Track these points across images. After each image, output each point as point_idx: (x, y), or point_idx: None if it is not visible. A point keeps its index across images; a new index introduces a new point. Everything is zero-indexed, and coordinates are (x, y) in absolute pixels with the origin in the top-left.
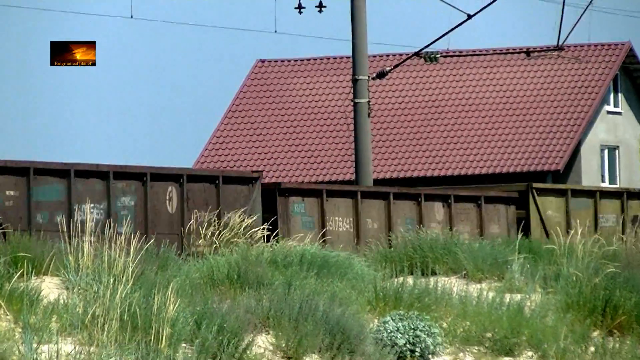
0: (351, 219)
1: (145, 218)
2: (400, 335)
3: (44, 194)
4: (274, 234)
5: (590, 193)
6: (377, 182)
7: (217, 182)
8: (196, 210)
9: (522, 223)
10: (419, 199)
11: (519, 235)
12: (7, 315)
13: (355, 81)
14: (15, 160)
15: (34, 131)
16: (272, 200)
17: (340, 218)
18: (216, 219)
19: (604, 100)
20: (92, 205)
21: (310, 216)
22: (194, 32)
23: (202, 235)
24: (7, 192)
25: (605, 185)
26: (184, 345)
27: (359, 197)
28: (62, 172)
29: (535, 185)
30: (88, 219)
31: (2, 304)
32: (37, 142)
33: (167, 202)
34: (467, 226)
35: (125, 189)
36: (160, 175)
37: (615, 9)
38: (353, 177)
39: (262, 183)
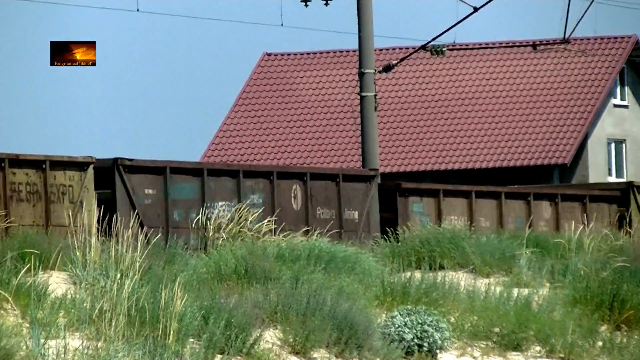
0: (465, 217)
1: (272, 215)
2: (408, 330)
3: (180, 192)
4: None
5: None
6: (383, 176)
7: (337, 180)
8: (319, 207)
9: (623, 220)
10: (529, 198)
11: (622, 232)
12: (14, 310)
13: (361, 75)
14: (152, 159)
15: (40, 123)
16: (391, 199)
17: (456, 217)
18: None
19: (611, 94)
20: (223, 202)
21: (428, 215)
22: (200, 26)
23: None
24: (146, 191)
25: (612, 179)
26: (191, 340)
27: (473, 196)
28: (196, 171)
29: (636, 183)
30: (219, 216)
31: (10, 299)
32: (48, 135)
33: (292, 199)
34: (572, 223)
35: (254, 187)
36: (286, 174)
37: (621, 1)
38: None
39: (382, 183)
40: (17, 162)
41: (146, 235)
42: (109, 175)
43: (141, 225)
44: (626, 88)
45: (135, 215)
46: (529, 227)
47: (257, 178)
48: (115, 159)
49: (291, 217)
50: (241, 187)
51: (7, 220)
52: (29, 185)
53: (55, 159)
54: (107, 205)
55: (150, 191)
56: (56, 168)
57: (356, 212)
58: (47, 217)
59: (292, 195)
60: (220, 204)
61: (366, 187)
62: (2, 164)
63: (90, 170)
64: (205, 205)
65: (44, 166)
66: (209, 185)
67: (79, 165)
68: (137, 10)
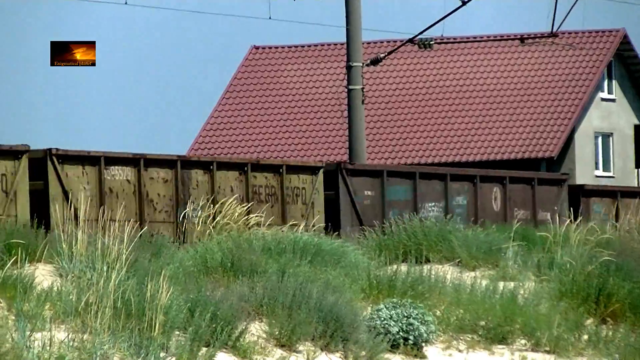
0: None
1: (476, 215)
2: (394, 323)
3: (395, 194)
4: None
5: None
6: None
7: (532, 183)
8: (516, 209)
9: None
10: None
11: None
12: (0, 302)
13: (349, 68)
14: (371, 164)
15: (20, 116)
16: (575, 200)
17: (630, 216)
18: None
19: (598, 88)
20: (432, 203)
21: (606, 214)
22: (188, 19)
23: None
24: (366, 192)
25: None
26: (177, 332)
27: None
28: (409, 174)
29: None
30: (429, 216)
31: None
32: (29, 126)
33: (493, 200)
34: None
35: (459, 189)
36: (487, 177)
37: None
38: None
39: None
40: (258, 166)
41: (363, 232)
42: (333, 178)
43: (360, 223)
44: (614, 82)
45: (355, 213)
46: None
47: (462, 181)
48: (339, 163)
49: (491, 216)
50: (448, 189)
51: (249, 219)
52: (267, 187)
53: (290, 163)
54: (331, 205)
55: (369, 192)
56: (291, 172)
57: (548, 213)
58: (283, 216)
59: (493, 197)
60: (429, 204)
61: (557, 190)
62: (246, 168)
63: (320, 173)
64: (416, 205)
65: (280, 170)
66: (420, 188)
67: (311, 170)
68: (126, 3)
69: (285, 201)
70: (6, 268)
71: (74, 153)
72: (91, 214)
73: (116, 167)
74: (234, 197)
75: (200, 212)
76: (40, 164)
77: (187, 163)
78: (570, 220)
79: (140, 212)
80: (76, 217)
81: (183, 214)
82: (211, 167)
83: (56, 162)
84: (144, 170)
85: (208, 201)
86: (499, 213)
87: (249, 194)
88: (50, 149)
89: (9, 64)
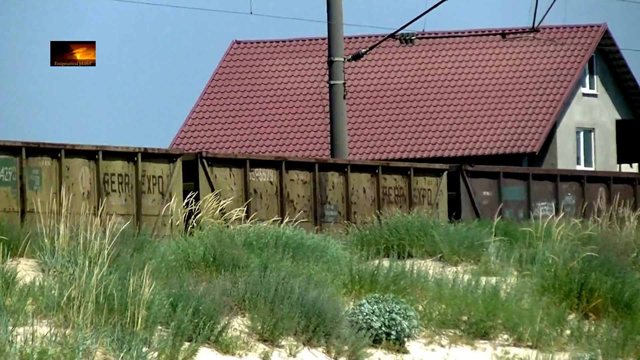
0: None
1: (584, 214)
2: (376, 318)
3: (510, 194)
4: None
5: None
6: None
7: (634, 183)
8: (619, 207)
9: None
10: None
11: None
12: None
13: (330, 63)
14: (489, 165)
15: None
16: None
17: None
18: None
19: (580, 83)
20: (544, 203)
21: None
22: (169, 13)
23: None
24: (484, 193)
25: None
26: (159, 327)
27: None
28: (523, 175)
29: None
30: (541, 215)
31: None
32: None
33: (599, 199)
34: None
35: (568, 189)
36: (594, 178)
37: None
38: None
39: None
40: (388, 169)
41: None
42: (454, 179)
43: None
44: (595, 77)
45: (475, 213)
46: None
47: (571, 181)
48: (460, 166)
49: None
50: (558, 189)
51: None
52: (396, 189)
53: (417, 166)
54: (452, 205)
55: (487, 193)
56: (418, 174)
57: None
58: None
59: (599, 196)
60: (541, 204)
61: None
62: (377, 171)
63: (444, 175)
64: (530, 205)
65: (408, 172)
66: (533, 188)
67: (436, 172)
68: None
69: (412, 201)
70: None
71: (222, 156)
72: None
73: (260, 169)
74: (366, 197)
75: (336, 211)
76: (192, 166)
77: (324, 166)
78: None
79: (282, 212)
80: (222, 215)
81: (320, 213)
82: (345, 169)
83: (206, 165)
84: (285, 172)
85: (343, 201)
86: (603, 211)
87: (379, 194)
88: (200, 152)
89: (8, 63)
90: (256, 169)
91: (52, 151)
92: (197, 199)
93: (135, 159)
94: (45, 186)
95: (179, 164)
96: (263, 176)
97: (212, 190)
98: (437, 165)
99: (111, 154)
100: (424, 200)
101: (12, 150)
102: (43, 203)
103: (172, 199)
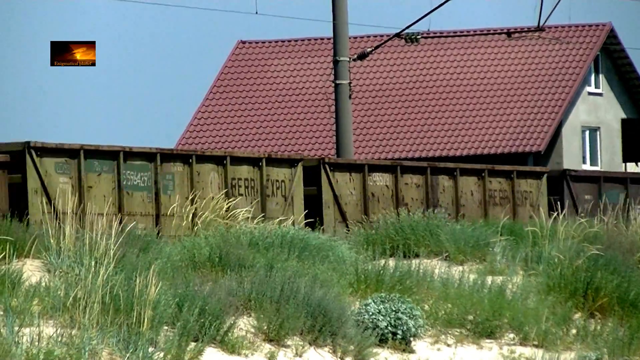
0: None
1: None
2: (382, 317)
3: (610, 197)
4: None
5: None
6: None
7: None
8: None
9: None
10: None
11: None
12: None
13: (336, 62)
14: (590, 171)
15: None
16: None
17: None
18: None
19: (585, 82)
20: None
21: None
22: (175, 13)
23: None
24: (586, 197)
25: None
26: (165, 327)
27: None
28: (622, 179)
29: None
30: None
31: None
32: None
33: None
34: None
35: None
36: (638, 179)
37: None
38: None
39: None
40: (493, 172)
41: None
42: (558, 183)
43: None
44: (600, 76)
45: (576, 215)
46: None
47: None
48: (564, 170)
49: None
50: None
51: (459, 216)
52: (500, 191)
53: (519, 169)
54: (553, 208)
55: (588, 197)
56: (520, 177)
57: None
58: (514, 216)
59: None
60: (639, 206)
61: None
62: (483, 174)
63: (544, 178)
64: (626, 207)
65: (512, 176)
66: (630, 191)
67: (536, 175)
68: None
69: (516, 203)
70: None
71: (342, 161)
72: (356, 216)
73: (377, 173)
74: (474, 200)
75: (446, 213)
76: (313, 171)
77: (435, 170)
78: None
79: (398, 214)
80: (344, 218)
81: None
82: (455, 173)
83: (328, 170)
84: (400, 176)
85: (452, 204)
86: None
87: (485, 197)
88: (322, 158)
89: (8, 63)
90: (374, 174)
91: (184, 157)
92: (318, 202)
93: (260, 164)
94: (177, 190)
95: (299, 168)
96: (380, 180)
97: (334, 194)
98: (538, 169)
99: (238, 160)
100: (526, 202)
101: (147, 156)
102: (177, 206)
103: (293, 203)
